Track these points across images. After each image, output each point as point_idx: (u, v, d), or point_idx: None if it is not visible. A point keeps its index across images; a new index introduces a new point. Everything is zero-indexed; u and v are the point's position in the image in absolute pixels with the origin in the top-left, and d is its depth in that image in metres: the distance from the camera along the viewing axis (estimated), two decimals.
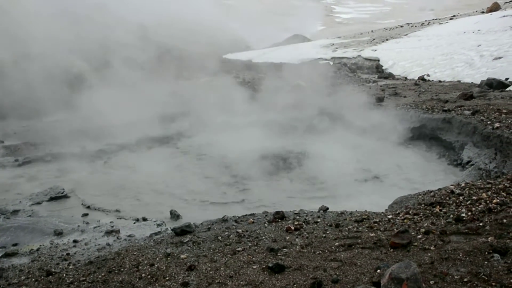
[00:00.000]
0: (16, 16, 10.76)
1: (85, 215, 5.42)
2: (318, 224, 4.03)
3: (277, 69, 14.23)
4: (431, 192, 4.63)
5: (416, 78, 13.05)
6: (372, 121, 8.42)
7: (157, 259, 3.52)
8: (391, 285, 2.61)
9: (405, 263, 2.69)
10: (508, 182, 4.42)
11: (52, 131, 8.47)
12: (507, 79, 10.14)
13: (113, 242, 4.19)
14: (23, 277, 3.44)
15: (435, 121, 7.68)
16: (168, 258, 3.51)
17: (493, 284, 2.73)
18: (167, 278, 3.20)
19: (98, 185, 6.58)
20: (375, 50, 18.04)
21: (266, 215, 4.35)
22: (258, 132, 8.57)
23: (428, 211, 4.05)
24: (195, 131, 8.96)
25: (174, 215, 5.24)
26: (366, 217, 4.08)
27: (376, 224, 3.89)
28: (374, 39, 20.95)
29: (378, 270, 3.02)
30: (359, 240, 3.56)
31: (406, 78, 13.84)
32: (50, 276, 3.41)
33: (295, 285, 2.96)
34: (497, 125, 6.38)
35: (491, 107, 7.37)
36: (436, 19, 26.05)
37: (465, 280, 2.80)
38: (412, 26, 24.27)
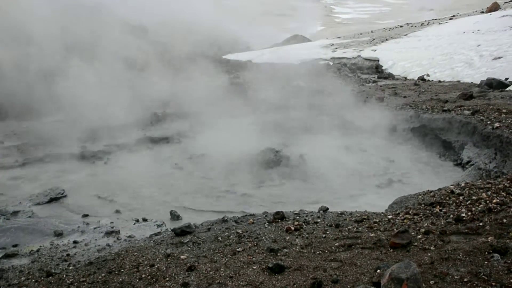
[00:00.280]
0: (16, 16, 10.77)
1: (85, 216, 5.42)
2: (318, 224, 4.03)
3: (277, 69, 14.24)
4: (431, 192, 4.63)
5: (416, 78, 13.06)
6: (372, 121, 8.42)
7: (157, 259, 3.52)
8: (391, 285, 2.61)
9: (405, 263, 2.69)
10: (508, 182, 4.42)
11: (52, 131, 8.46)
12: (506, 79, 10.15)
13: (113, 242, 4.19)
14: (23, 278, 3.44)
15: (435, 121, 7.68)
16: (168, 259, 3.51)
17: (493, 284, 2.73)
18: (167, 278, 3.20)
19: (98, 186, 6.57)
20: (375, 50, 18.06)
21: (266, 216, 4.35)
22: (258, 132, 8.57)
23: (428, 211, 4.06)
24: (195, 131, 8.95)
25: (174, 216, 5.24)
26: (366, 217, 4.08)
27: (376, 224, 3.89)
28: (373, 39, 20.97)
29: (378, 270, 3.02)
30: (359, 240, 3.56)
31: (405, 78, 13.84)
32: (50, 277, 3.41)
33: (295, 285, 2.96)
34: (497, 125, 6.38)
35: (490, 107, 7.38)
36: (435, 19, 26.06)
37: (465, 280, 2.80)
38: (412, 26, 24.28)
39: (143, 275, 3.27)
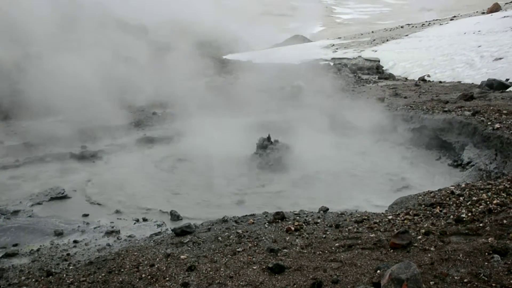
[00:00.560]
0: (16, 15, 10.77)
1: (85, 215, 5.42)
2: (318, 224, 4.03)
3: (277, 69, 14.23)
4: (431, 192, 4.63)
5: (417, 79, 13.07)
6: (372, 121, 8.42)
7: (157, 259, 3.52)
8: (391, 285, 2.61)
9: (405, 264, 2.69)
10: (508, 183, 4.42)
11: (52, 131, 8.46)
12: (507, 79, 10.15)
13: (113, 242, 4.19)
14: (23, 278, 3.45)
15: (436, 121, 7.68)
16: (168, 259, 3.51)
17: (493, 285, 2.73)
18: (167, 278, 3.20)
19: (98, 185, 6.58)
20: (376, 51, 18.07)
21: (266, 216, 4.35)
22: (258, 132, 8.57)
23: (428, 212, 4.06)
24: (195, 131, 8.95)
25: (174, 216, 5.24)
26: (366, 217, 4.08)
27: (376, 224, 3.89)
28: (374, 40, 20.98)
29: (378, 271, 3.02)
30: (359, 241, 3.56)
31: (406, 78, 13.85)
32: (50, 277, 3.41)
33: (295, 286, 2.96)
34: (497, 126, 6.38)
35: (491, 108, 7.37)
36: (436, 19, 26.07)
37: (465, 281, 2.80)
38: (413, 26, 24.30)
39: (143, 275, 3.27)
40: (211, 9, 27.86)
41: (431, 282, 2.81)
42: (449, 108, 8.01)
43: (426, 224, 3.76)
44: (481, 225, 3.58)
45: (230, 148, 7.66)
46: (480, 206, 3.95)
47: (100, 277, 3.31)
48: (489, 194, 4.19)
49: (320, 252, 3.45)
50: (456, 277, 2.85)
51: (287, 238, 3.73)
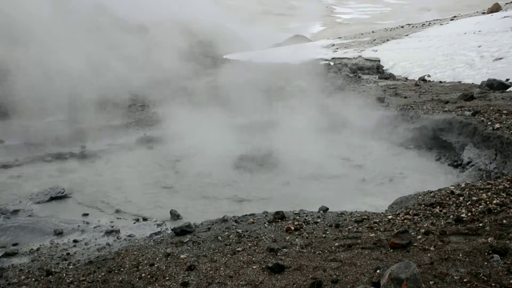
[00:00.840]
0: (16, 15, 10.77)
1: (85, 215, 5.42)
2: (318, 224, 4.03)
3: (277, 69, 14.23)
4: (431, 192, 4.64)
5: (417, 79, 13.07)
6: (372, 121, 8.42)
7: (157, 259, 3.52)
8: (390, 285, 2.61)
9: (404, 264, 2.69)
10: (508, 183, 4.42)
11: (52, 131, 8.47)
12: (507, 80, 10.15)
13: (113, 242, 4.19)
14: (23, 277, 3.45)
15: (436, 121, 7.68)
16: (168, 258, 3.51)
17: (493, 284, 2.73)
18: (167, 278, 3.20)
19: (98, 185, 6.58)
20: (376, 51, 18.07)
21: (266, 215, 4.35)
22: (258, 132, 8.58)
23: (428, 212, 4.06)
24: (194, 131, 8.95)
25: (174, 215, 5.24)
26: (366, 217, 4.08)
27: (376, 224, 3.89)
28: (374, 40, 20.98)
29: (378, 271, 3.02)
30: (359, 241, 3.56)
31: (406, 78, 13.84)
32: (50, 276, 3.41)
33: (294, 285, 2.96)
34: (497, 126, 6.38)
35: (491, 108, 7.37)
36: (437, 19, 26.06)
37: (464, 280, 2.80)
38: (413, 26, 24.29)
39: (143, 274, 3.27)
40: (211, 8, 27.83)
41: (430, 282, 2.81)
42: (449, 108, 8.01)
43: (426, 224, 3.77)
44: (480, 225, 3.58)
45: (230, 148, 7.66)
46: (480, 206, 3.95)
47: (100, 276, 3.31)
48: (489, 194, 4.19)
49: (320, 251, 3.45)
50: (455, 277, 2.85)
51: (287, 238, 3.73)
